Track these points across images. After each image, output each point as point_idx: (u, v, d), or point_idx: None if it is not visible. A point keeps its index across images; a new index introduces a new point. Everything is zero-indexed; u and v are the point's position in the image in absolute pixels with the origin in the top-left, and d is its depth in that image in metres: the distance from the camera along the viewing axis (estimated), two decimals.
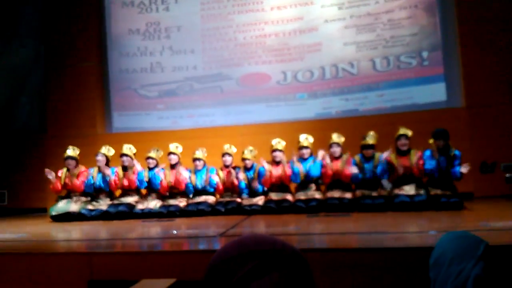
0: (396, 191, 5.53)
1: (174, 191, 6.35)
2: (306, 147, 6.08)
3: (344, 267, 2.94)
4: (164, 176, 6.30)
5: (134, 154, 6.58)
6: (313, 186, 5.98)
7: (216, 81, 8.28)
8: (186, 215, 5.91)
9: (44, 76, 8.69)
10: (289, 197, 5.97)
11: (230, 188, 6.29)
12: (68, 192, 6.54)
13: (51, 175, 6.39)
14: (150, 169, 6.44)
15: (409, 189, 5.48)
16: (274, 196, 5.99)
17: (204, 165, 6.38)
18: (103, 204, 6.34)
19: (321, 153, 5.82)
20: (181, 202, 6.22)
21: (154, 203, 6.23)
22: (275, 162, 6.11)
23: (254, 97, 8.09)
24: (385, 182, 5.68)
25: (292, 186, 6.17)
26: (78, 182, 6.46)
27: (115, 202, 6.36)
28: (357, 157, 5.91)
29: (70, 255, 3.55)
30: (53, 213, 6.25)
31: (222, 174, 6.32)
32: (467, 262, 1.29)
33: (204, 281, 0.88)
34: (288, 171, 5.96)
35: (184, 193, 6.36)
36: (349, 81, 7.69)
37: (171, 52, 8.50)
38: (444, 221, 4.47)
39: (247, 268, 0.82)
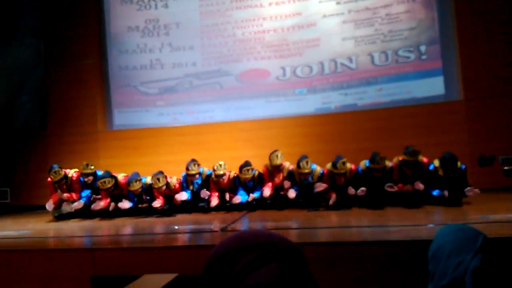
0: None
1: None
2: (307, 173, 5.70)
3: (344, 260, 2.98)
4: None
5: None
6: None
7: (215, 77, 8.31)
8: (186, 211, 5.95)
9: (45, 74, 8.72)
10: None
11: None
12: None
13: (50, 208, 6.23)
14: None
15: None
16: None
17: (200, 174, 6.24)
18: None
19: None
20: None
21: (156, 203, 6.22)
22: (276, 171, 5.95)
23: (253, 93, 8.12)
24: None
25: None
26: (74, 194, 6.32)
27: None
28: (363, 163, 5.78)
29: (73, 251, 3.59)
30: (56, 214, 6.26)
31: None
32: (466, 254, 1.32)
33: (203, 276, 0.89)
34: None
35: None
36: (348, 76, 7.71)
37: (170, 49, 8.52)
38: (442, 214, 4.51)
39: (244, 261, 0.84)
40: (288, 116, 7.72)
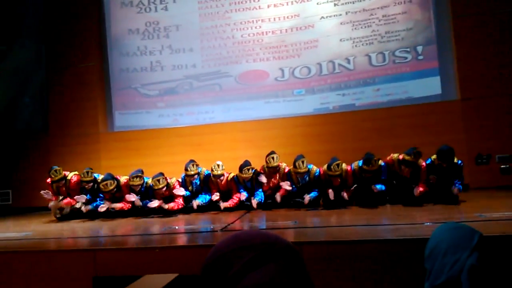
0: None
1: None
2: (303, 173, 5.77)
3: (342, 259, 3.01)
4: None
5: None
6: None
7: (215, 79, 8.35)
8: (186, 212, 5.99)
9: (46, 77, 8.76)
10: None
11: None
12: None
13: (47, 195, 6.27)
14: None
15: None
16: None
17: (198, 175, 6.30)
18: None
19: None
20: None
21: (154, 203, 6.25)
22: (272, 172, 6.02)
23: (252, 94, 8.16)
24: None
25: None
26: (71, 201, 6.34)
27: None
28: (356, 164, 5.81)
29: (75, 252, 3.62)
30: (58, 216, 6.31)
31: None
32: (462, 253, 1.33)
33: (201, 277, 0.90)
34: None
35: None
36: (345, 77, 7.76)
37: (170, 51, 8.56)
38: (439, 213, 4.54)
39: (242, 262, 0.84)
40: (287, 116, 7.76)
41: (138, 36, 8.67)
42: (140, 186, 6.08)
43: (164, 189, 5.94)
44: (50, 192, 6.31)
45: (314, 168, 5.83)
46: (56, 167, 6.37)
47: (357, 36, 7.70)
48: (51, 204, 6.33)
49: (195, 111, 8.38)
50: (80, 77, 8.54)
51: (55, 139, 8.45)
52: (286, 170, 5.98)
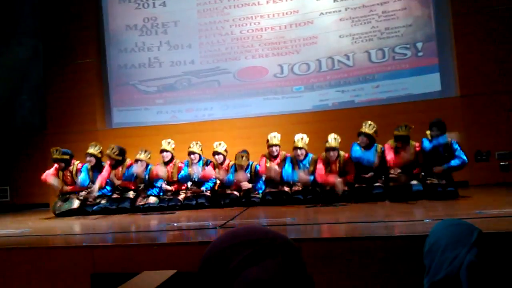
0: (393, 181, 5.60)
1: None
2: (301, 148, 5.98)
3: (341, 256, 3.00)
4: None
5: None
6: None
7: (213, 75, 8.34)
8: (185, 208, 5.99)
9: (43, 74, 8.74)
10: (286, 189, 6.04)
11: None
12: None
13: (56, 182, 6.36)
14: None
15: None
16: (272, 188, 6.05)
17: (200, 158, 6.43)
18: (104, 198, 6.39)
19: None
20: (181, 195, 6.29)
21: (153, 199, 6.28)
22: (273, 157, 6.16)
23: (251, 91, 8.15)
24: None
25: None
26: (73, 187, 6.45)
27: (116, 197, 6.41)
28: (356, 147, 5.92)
29: (73, 249, 3.60)
30: (57, 212, 6.30)
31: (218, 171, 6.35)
32: (461, 249, 1.30)
33: (198, 273, 0.89)
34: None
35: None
36: (345, 73, 7.75)
37: (168, 47, 8.54)
38: (439, 210, 4.53)
39: (240, 257, 0.84)
40: (286, 113, 7.76)
41: (136, 32, 8.65)
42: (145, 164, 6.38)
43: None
44: (58, 181, 6.42)
45: (314, 156, 5.96)
46: (60, 148, 6.49)
47: (356, 33, 7.69)
48: (53, 180, 6.38)
49: (193, 107, 8.37)
50: (78, 74, 8.52)
51: (53, 136, 8.42)
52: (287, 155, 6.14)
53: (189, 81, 8.45)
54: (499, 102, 6.75)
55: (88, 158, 6.45)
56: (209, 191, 6.31)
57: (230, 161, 6.34)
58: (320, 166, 5.85)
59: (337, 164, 5.87)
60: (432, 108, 6.79)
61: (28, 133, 8.73)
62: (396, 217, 4.25)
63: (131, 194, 6.42)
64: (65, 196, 6.47)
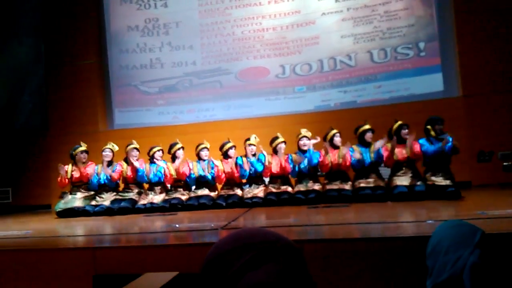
0: (394, 182, 5.59)
1: (178, 183, 6.44)
2: (307, 137, 6.15)
3: (343, 257, 2.99)
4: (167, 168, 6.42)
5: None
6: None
7: (215, 76, 8.33)
8: (187, 209, 5.99)
9: (45, 75, 8.75)
10: (289, 189, 6.05)
11: (232, 179, 6.35)
12: (72, 187, 6.63)
13: (63, 170, 6.48)
14: (151, 162, 6.55)
15: (406, 179, 5.54)
16: (274, 188, 6.06)
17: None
18: (106, 199, 6.43)
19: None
20: (183, 196, 6.30)
21: (156, 198, 6.32)
22: (276, 153, 6.19)
23: (253, 91, 8.14)
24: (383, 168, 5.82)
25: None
26: (85, 171, 6.60)
27: (118, 197, 6.44)
28: (356, 146, 5.96)
29: (75, 251, 3.60)
30: (58, 209, 6.33)
31: (222, 166, 6.38)
32: (464, 250, 1.32)
33: (201, 275, 0.89)
34: (288, 167, 6.04)
35: (186, 186, 6.45)
36: (347, 73, 7.74)
37: (170, 48, 8.54)
38: (441, 210, 4.51)
39: (242, 261, 0.84)
40: (287, 114, 7.75)
41: (137, 33, 8.66)
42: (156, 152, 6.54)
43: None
44: (66, 170, 6.55)
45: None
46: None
47: (358, 33, 7.68)
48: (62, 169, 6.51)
49: (195, 108, 8.37)
50: (79, 75, 8.52)
51: (54, 137, 8.43)
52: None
53: (190, 82, 8.45)
54: (502, 102, 6.73)
55: (106, 153, 6.65)
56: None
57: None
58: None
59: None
60: (435, 108, 6.76)
61: (30, 134, 8.74)
62: (398, 218, 4.24)
63: (132, 194, 6.44)
64: (67, 195, 6.52)
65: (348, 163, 5.87)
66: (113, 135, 8.23)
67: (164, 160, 6.53)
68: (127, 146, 6.64)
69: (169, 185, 6.52)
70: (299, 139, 6.15)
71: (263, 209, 5.63)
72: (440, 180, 5.41)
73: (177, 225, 4.63)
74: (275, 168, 6.13)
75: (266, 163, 6.11)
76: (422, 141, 5.66)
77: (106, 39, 8.80)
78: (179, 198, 6.20)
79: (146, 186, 6.65)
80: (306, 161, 6.00)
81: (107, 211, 6.14)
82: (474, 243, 1.34)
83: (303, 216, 4.75)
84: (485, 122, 6.77)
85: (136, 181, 6.53)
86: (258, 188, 6.18)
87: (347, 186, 5.80)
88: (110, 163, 6.70)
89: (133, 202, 6.28)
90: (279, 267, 0.84)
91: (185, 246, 3.47)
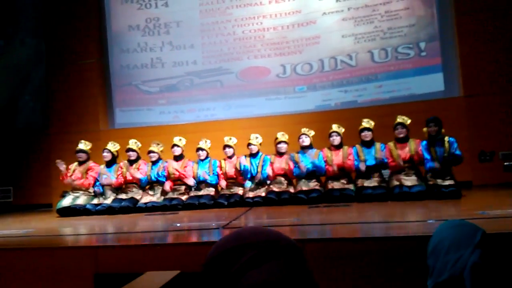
0: (395, 182, 5.60)
1: (177, 183, 6.45)
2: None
3: (344, 256, 3.00)
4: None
5: (139, 148, 6.71)
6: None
7: (216, 76, 8.33)
8: (188, 208, 6.00)
9: (46, 74, 8.75)
10: (290, 188, 6.05)
11: (233, 178, 6.36)
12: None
13: (62, 166, 6.53)
14: (153, 163, 6.56)
15: (407, 180, 5.55)
16: (275, 188, 6.06)
17: (207, 156, 6.49)
18: (108, 199, 6.44)
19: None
20: (184, 196, 6.31)
21: (157, 197, 6.33)
22: (279, 154, 6.20)
23: (254, 91, 8.14)
24: (384, 171, 5.81)
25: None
26: (87, 180, 6.61)
27: (119, 196, 6.45)
28: (358, 146, 5.97)
29: (76, 249, 3.61)
30: (60, 208, 6.34)
31: (224, 165, 6.40)
32: (465, 250, 1.33)
33: (202, 274, 0.89)
34: (291, 165, 6.06)
35: (187, 186, 6.46)
36: (347, 73, 7.74)
37: (171, 48, 8.54)
38: (442, 210, 4.51)
39: (244, 259, 0.84)
40: (288, 113, 7.74)
41: (138, 32, 8.66)
42: (157, 156, 6.64)
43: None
44: (64, 166, 6.61)
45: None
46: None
47: (359, 32, 7.68)
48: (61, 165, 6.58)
49: (196, 108, 8.37)
50: (80, 74, 8.53)
51: (55, 136, 8.44)
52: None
53: (191, 82, 8.45)
54: (503, 102, 6.73)
55: (104, 154, 6.73)
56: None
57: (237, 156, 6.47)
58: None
59: None
60: (435, 108, 6.76)
61: (31, 133, 8.75)
62: (399, 217, 4.24)
63: (133, 194, 6.45)
64: (69, 194, 6.56)
65: (352, 164, 5.88)
66: (114, 134, 8.23)
67: (161, 159, 6.58)
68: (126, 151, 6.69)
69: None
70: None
71: (264, 209, 5.64)
72: (441, 180, 5.41)
73: (178, 224, 4.64)
74: (278, 169, 6.13)
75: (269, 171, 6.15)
76: (423, 147, 5.65)
77: (107, 39, 8.81)
78: (179, 199, 6.21)
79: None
80: (307, 163, 5.99)
81: (108, 210, 6.15)
82: (475, 243, 1.35)
83: (303, 216, 4.76)
84: (486, 122, 6.77)
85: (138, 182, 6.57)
86: (259, 187, 6.19)
87: (349, 186, 5.80)
88: (109, 164, 6.71)
89: (135, 201, 6.29)
90: (280, 265, 0.84)
91: (186, 245, 3.48)
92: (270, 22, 8.15)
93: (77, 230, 5.02)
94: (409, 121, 5.79)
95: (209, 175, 6.36)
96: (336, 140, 6.03)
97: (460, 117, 6.80)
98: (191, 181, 6.38)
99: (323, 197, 5.73)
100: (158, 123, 8.35)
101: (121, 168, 6.60)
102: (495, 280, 1.33)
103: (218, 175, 6.39)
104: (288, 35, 8.04)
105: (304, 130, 6.22)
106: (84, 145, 6.84)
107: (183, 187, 6.43)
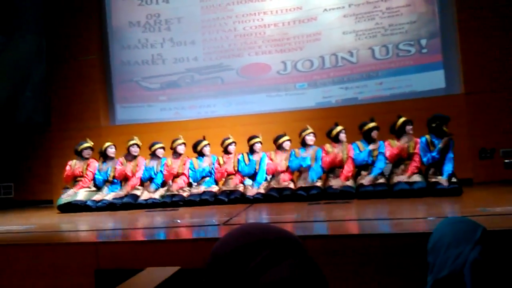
0: (395, 178, 5.60)
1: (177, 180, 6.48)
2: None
3: (345, 253, 3.00)
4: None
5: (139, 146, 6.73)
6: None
7: (216, 72, 8.32)
8: (189, 205, 6.00)
9: (47, 70, 8.75)
10: (290, 185, 6.06)
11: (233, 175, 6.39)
12: (75, 183, 6.66)
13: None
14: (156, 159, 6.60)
15: (407, 177, 5.55)
16: (275, 184, 6.07)
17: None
18: (109, 195, 6.45)
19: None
20: (185, 192, 6.32)
21: (158, 193, 6.33)
22: (280, 150, 6.23)
23: (254, 87, 8.13)
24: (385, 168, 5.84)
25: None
26: (88, 174, 6.66)
27: (120, 193, 6.46)
28: (359, 142, 5.98)
29: (77, 245, 3.62)
30: (60, 203, 6.36)
31: (222, 161, 6.41)
32: (465, 246, 1.33)
33: (208, 271, 0.88)
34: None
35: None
36: (348, 70, 7.72)
37: (171, 44, 8.53)
38: (442, 207, 4.52)
39: (260, 257, 0.83)
40: (289, 110, 7.74)
41: (139, 28, 8.64)
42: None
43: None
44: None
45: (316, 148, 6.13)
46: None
47: (360, 29, 7.66)
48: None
49: (197, 104, 8.36)
50: (81, 70, 8.52)
51: (56, 133, 8.44)
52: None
53: (192, 78, 8.44)
54: (504, 99, 6.71)
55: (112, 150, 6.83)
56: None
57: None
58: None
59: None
60: (436, 105, 6.75)
61: (32, 129, 8.75)
62: (399, 214, 4.25)
63: (134, 190, 6.47)
64: (69, 190, 6.57)
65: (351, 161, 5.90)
66: (114, 130, 8.24)
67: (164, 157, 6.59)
68: (128, 142, 6.69)
69: (170, 181, 6.53)
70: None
71: (264, 205, 5.64)
72: (441, 177, 5.41)
73: (178, 221, 4.65)
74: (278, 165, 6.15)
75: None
76: (423, 144, 5.66)
77: (108, 35, 8.79)
78: (180, 195, 6.21)
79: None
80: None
81: (109, 206, 6.16)
82: (475, 240, 1.35)
83: (304, 212, 4.77)
84: (487, 119, 6.76)
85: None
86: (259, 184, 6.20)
87: (349, 183, 5.81)
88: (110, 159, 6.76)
89: (135, 197, 6.29)
90: (297, 262, 0.84)
91: (187, 241, 3.49)
92: (271, 18, 8.13)
93: (77, 226, 5.04)
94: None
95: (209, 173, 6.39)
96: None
97: (461, 114, 6.79)
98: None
99: (323, 194, 5.73)
100: (159, 120, 8.34)
101: (121, 163, 6.61)
102: (495, 276, 1.33)
103: (215, 171, 6.39)
104: (289, 31, 8.02)
105: (310, 128, 6.23)
106: (90, 143, 6.91)
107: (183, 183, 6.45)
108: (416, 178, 5.53)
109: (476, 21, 6.91)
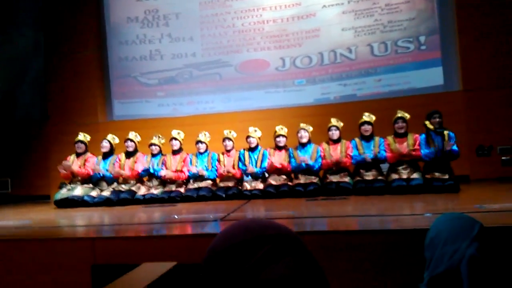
0: (393, 175, 5.60)
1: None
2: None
3: (341, 249, 3.00)
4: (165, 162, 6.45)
5: (138, 142, 6.70)
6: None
7: (215, 68, 8.31)
8: (187, 200, 6.00)
9: (44, 66, 8.73)
10: (288, 181, 6.05)
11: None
12: (72, 178, 6.66)
13: (64, 168, 6.58)
14: (153, 155, 6.56)
15: (405, 173, 5.55)
16: (273, 180, 6.06)
17: (207, 149, 6.47)
18: (106, 190, 6.45)
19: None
20: (182, 187, 6.31)
21: (155, 189, 6.33)
22: (278, 148, 6.19)
23: (253, 84, 8.12)
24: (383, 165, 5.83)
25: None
26: (85, 169, 6.63)
27: (117, 188, 6.46)
28: (357, 140, 5.97)
29: (74, 241, 3.61)
30: (57, 198, 6.35)
31: (222, 158, 6.40)
32: (462, 242, 1.33)
33: (206, 267, 0.87)
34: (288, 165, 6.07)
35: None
36: (347, 67, 7.72)
37: (170, 40, 8.51)
38: (440, 204, 4.52)
39: (260, 253, 0.82)
40: (287, 106, 7.74)
41: (137, 24, 8.62)
42: (158, 148, 6.65)
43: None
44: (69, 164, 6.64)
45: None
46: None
47: (359, 26, 7.65)
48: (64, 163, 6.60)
49: (195, 100, 8.35)
50: (78, 66, 8.50)
51: (54, 128, 8.43)
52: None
53: (190, 74, 8.43)
54: (502, 97, 6.73)
55: (104, 144, 6.76)
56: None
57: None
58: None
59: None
60: (435, 102, 6.75)
61: (29, 125, 8.73)
62: (396, 211, 4.25)
63: (131, 186, 6.46)
64: (67, 186, 6.58)
65: (349, 160, 5.89)
66: (112, 126, 8.22)
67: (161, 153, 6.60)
68: (125, 142, 6.70)
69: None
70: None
71: (261, 201, 5.64)
72: (438, 174, 5.41)
73: (176, 216, 4.64)
74: (277, 163, 6.13)
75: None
76: (422, 140, 5.65)
77: (106, 30, 8.77)
78: (178, 191, 6.21)
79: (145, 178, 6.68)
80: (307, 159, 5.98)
81: (106, 202, 6.15)
82: (472, 236, 1.35)
83: (301, 208, 4.76)
84: (484, 117, 6.77)
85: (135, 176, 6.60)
86: (257, 180, 6.19)
87: (347, 179, 5.81)
88: (107, 155, 6.71)
89: (133, 193, 6.29)
90: (296, 259, 0.83)
91: (183, 237, 3.48)
92: (269, 14, 8.11)
93: (74, 221, 5.02)
94: (408, 116, 5.77)
95: (207, 169, 6.35)
96: (335, 134, 6.01)
97: (459, 111, 6.80)
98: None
99: (320, 190, 5.73)
100: (157, 116, 8.34)
101: (119, 160, 6.60)
102: (492, 273, 1.32)
103: (217, 169, 6.37)
104: (287, 27, 8.01)
105: (302, 125, 6.18)
106: (83, 136, 6.85)
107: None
108: (414, 174, 5.53)
109: (475, 18, 6.91)
